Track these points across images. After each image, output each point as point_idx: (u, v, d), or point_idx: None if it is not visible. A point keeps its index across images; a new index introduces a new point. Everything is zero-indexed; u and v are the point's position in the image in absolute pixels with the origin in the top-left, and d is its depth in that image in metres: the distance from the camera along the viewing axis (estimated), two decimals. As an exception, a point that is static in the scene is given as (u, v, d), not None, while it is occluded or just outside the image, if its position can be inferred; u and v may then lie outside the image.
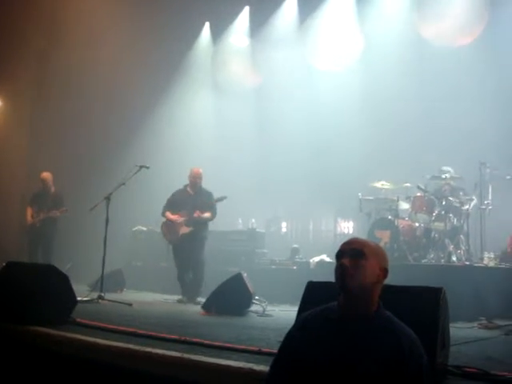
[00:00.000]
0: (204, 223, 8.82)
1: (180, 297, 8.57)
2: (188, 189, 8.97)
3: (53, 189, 10.13)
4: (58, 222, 10.02)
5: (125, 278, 10.14)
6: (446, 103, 9.93)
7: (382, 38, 11.18)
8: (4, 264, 5.72)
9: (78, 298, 5.57)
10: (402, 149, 10.40)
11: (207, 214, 8.72)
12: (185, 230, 8.73)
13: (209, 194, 8.90)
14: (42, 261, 9.32)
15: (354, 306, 2.46)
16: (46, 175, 10.12)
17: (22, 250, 11.53)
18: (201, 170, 8.97)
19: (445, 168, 8.87)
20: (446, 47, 10.48)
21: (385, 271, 2.52)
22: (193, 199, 8.82)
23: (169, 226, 8.93)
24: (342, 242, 2.58)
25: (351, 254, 2.47)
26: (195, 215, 8.58)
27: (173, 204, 8.95)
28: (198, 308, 6.85)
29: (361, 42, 11.87)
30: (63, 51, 11.88)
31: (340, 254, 2.51)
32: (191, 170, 8.93)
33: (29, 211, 10.05)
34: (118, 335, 4.40)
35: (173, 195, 9.05)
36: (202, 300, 7.71)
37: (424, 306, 2.93)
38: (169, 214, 8.91)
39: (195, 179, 8.87)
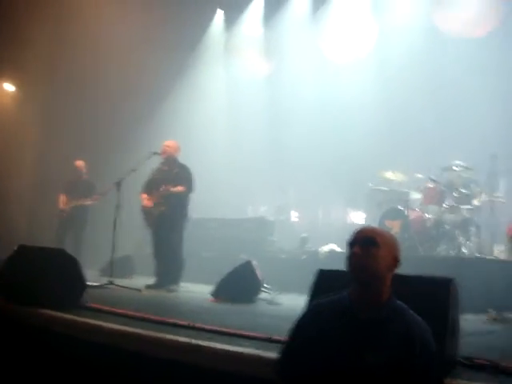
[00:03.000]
0: (177, 201, 7.81)
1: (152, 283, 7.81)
2: (163, 165, 8.12)
3: (85, 177, 10.27)
4: (90, 210, 10.11)
5: (135, 264, 10.19)
6: (458, 94, 9.84)
7: (395, 28, 11.12)
8: (15, 248, 5.78)
9: (89, 283, 5.60)
10: (413, 139, 10.33)
11: (180, 188, 7.79)
12: (155, 211, 7.87)
13: (184, 167, 8.02)
14: (72, 248, 9.24)
15: (365, 294, 2.46)
16: (79, 163, 10.29)
17: (31, 235, 11.61)
18: (174, 142, 8.18)
19: (456, 162, 8.82)
20: (459, 38, 10.41)
21: (397, 260, 2.52)
22: (166, 175, 7.96)
23: (145, 210, 8.04)
24: (355, 230, 2.56)
25: (364, 242, 2.46)
26: (161, 189, 7.78)
27: (151, 184, 8.06)
28: (207, 295, 6.85)
29: (375, 32, 11.81)
30: (75, 35, 11.85)
31: (352, 242, 2.50)
32: (163, 144, 8.09)
33: (61, 198, 10.12)
34: (126, 320, 4.42)
35: (151, 174, 8.19)
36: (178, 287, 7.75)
37: (434, 296, 2.92)
38: (143, 197, 8.04)
39: (167, 153, 8.01)
